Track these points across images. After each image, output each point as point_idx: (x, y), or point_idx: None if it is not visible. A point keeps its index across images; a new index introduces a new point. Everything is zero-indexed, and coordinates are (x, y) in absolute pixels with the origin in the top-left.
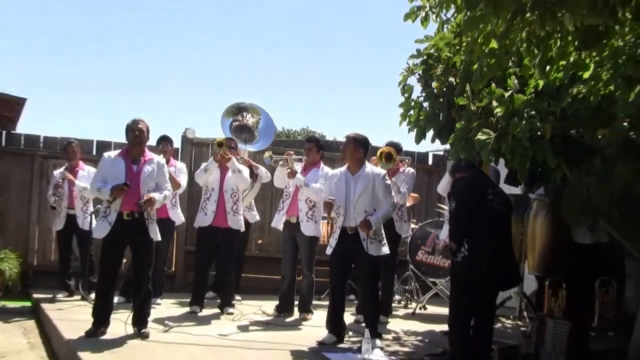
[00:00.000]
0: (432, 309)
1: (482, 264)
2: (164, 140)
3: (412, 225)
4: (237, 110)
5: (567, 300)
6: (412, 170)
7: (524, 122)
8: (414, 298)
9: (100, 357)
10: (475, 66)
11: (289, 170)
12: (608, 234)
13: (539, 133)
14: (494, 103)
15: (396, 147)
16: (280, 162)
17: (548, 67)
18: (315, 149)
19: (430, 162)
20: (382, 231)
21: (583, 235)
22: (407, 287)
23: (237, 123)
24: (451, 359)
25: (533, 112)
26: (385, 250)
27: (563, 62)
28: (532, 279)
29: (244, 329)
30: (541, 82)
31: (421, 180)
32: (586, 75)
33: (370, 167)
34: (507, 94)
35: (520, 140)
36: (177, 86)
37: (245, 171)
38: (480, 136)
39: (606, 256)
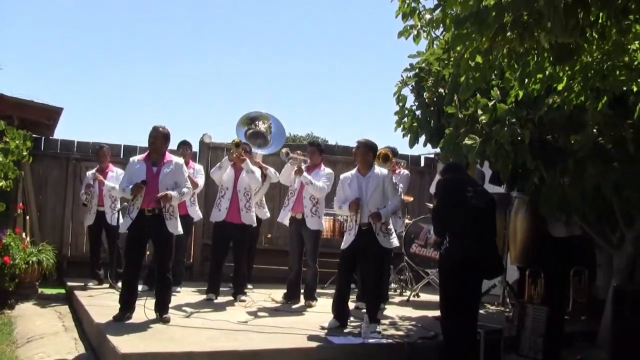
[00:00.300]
0: (424, 297)
1: (460, 255)
2: (184, 144)
3: (406, 221)
4: (249, 120)
5: (545, 288)
6: (406, 172)
7: (505, 128)
8: (408, 287)
9: (126, 339)
10: (462, 78)
11: (296, 168)
12: (580, 227)
13: (519, 138)
14: (479, 111)
15: (392, 150)
16: (291, 160)
17: (527, 80)
18: (317, 152)
19: (422, 164)
20: (391, 226)
21: (558, 229)
22: (402, 277)
23: (251, 131)
24: (445, 344)
25: (514, 120)
26: (395, 242)
27: (540, 75)
28: (514, 269)
29: (255, 314)
30: (521, 93)
31: (414, 180)
32: (560, 87)
33: (379, 169)
34: (490, 103)
35: (502, 145)
36: (196, 95)
37: (257, 172)
38: (467, 141)
39: (579, 248)
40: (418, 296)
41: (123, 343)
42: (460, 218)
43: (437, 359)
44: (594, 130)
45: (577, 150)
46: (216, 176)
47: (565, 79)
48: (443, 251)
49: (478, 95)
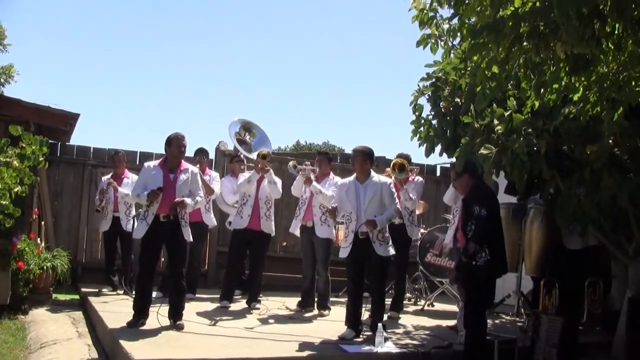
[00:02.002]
0: (439, 306)
1: (502, 265)
2: (201, 152)
3: (422, 230)
4: (246, 126)
5: (559, 298)
6: (420, 179)
7: (521, 138)
8: (422, 296)
9: (140, 345)
10: (479, 88)
11: (305, 178)
12: (596, 238)
13: (534, 148)
14: (495, 121)
15: (406, 158)
16: (301, 171)
17: (542, 90)
18: (326, 161)
19: (438, 173)
20: (388, 234)
21: (573, 242)
22: (416, 286)
23: (239, 137)
24: (471, 352)
25: (530, 130)
26: (392, 251)
27: (556, 85)
28: (528, 279)
29: (269, 322)
30: (537, 103)
31: (430, 190)
32: (576, 97)
33: (377, 176)
34: (506, 113)
35: (518, 155)
36: (211, 101)
37: (279, 183)
38: (483, 151)
39: (594, 259)
40: (432, 305)
41: (136, 349)
42: (500, 229)
43: None
44: (610, 141)
45: (593, 161)
46: (245, 189)
47: (581, 89)
48: (482, 263)
49: (494, 105)
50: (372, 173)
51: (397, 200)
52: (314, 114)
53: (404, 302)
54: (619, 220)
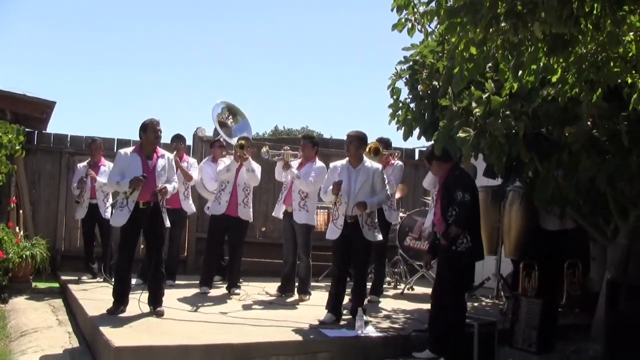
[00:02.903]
0: (418, 289)
1: (481, 250)
2: (178, 138)
3: (401, 214)
4: (230, 109)
5: (539, 280)
6: (400, 163)
7: (500, 121)
8: (402, 280)
9: (120, 331)
10: (457, 70)
11: (283, 163)
12: (574, 221)
13: (513, 131)
14: (473, 104)
15: (386, 142)
16: (276, 157)
17: (520, 72)
18: (310, 145)
19: (416, 157)
20: (376, 220)
21: (551, 223)
22: (396, 270)
23: (221, 120)
24: (454, 335)
25: (508, 112)
26: (379, 237)
27: (534, 67)
28: (507, 262)
29: (249, 308)
30: (515, 85)
31: (408, 173)
32: (554, 79)
33: (369, 162)
34: (484, 96)
35: (496, 138)
36: (187, 87)
37: (258, 170)
38: (461, 134)
39: (572, 241)
40: (412, 289)
41: (116, 336)
42: (478, 214)
43: (436, 351)
44: (588, 123)
45: (571, 143)
46: (223, 177)
47: (559, 70)
48: (463, 248)
49: (472, 87)
50: (365, 158)
51: (387, 186)
52: (293, 100)
53: (384, 286)
54: (597, 202)
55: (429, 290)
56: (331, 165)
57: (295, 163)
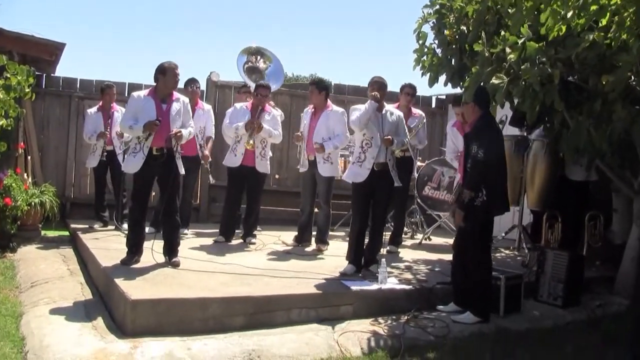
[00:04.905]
0: (435, 240)
1: (501, 203)
2: (193, 81)
3: (419, 163)
4: (255, 51)
5: (563, 232)
6: (422, 114)
7: (535, 68)
8: (419, 229)
9: (135, 283)
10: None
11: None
12: (598, 172)
13: (547, 78)
14: (507, 49)
15: (413, 89)
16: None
17: (571, 13)
18: (317, 90)
19: (433, 105)
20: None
21: (576, 173)
22: (413, 220)
23: (250, 64)
24: (481, 288)
25: (544, 59)
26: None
27: (594, 7)
28: (527, 213)
29: (267, 258)
30: (564, 28)
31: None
32: (604, 21)
33: (391, 108)
34: (520, 41)
35: (531, 85)
36: (199, 32)
37: (277, 131)
38: (495, 80)
39: (595, 192)
40: (430, 239)
41: (133, 288)
42: (501, 167)
43: (461, 304)
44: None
45: (607, 92)
46: (229, 134)
47: (608, 14)
48: (479, 203)
49: (503, 32)
50: (385, 104)
51: (419, 136)
52: (301, 45)
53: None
54: (626, 154)
55: (447, 240)
56: (357, 106)
57: (307, 113)
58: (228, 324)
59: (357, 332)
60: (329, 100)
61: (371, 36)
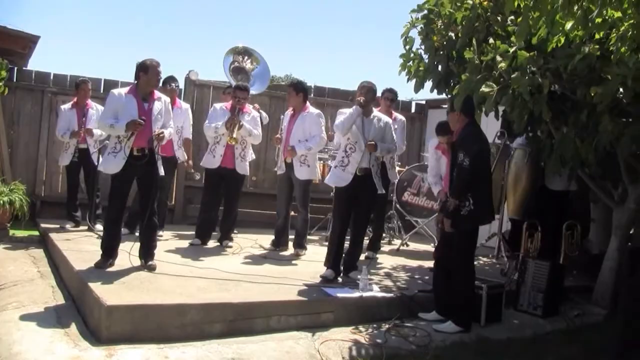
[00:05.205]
0: (413, 245)
1: (488, 212)
2: (172, 80)
3: (398, 169)
4: (241, 52)
5: (542, 241)
6: (403, 118)
7: (526, 77)
8: (396, 235)
9: (110, 288)
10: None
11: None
12: (577, 182)
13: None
14: (498, 57)
15: (393, 94)
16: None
17: (571, 24)
18: (294, 92)
19: (413, 109)
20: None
21: (556, 183)
22: (390, 225)
23: (236, 64)
24: (466, 304)
25: (535, 69)
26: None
27: (598, 20)
28: (505, 221)
29: (244, 262)
30: (562, 39)
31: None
32: (598, 35)
33: (378, 113)
34: (511, 50)
35: (521, 94)
36: (178, 30)
37: (256, 131)
38: (484, 88)
39: (573, 202)
40: (407, 245)
41: (108, 294)
42: (487, 174)
43: (443, 313)
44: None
45: (595, 104)
46: (209, 134)
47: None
48: (466, 212)
49: (491, 39)
50: (374, 110)
51: (395, 141)
52: (278, 46)
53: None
54: (607, 165)
55: (424, 247)
56: (342, 110)
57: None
58: (207, 331)
59: (339, 340)
60: (307, 103)
61: (350, 38)
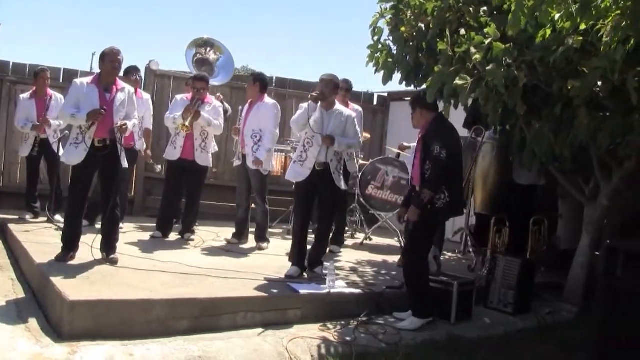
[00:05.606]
0: (376, 240)
1: (460, 204)
2: (135, 70)
3: (361, 162)
4: (204, 43)
5: (510, 237)
6: (359, 109)
7: (502, 69)
8: (359, 229)
9: (72, 282)
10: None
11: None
12: (546, 176)
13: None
14: (472, 49)
15: (348, 84)
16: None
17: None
18: (251, 82)
19: (375, 102)
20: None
21: (523, 177)
22: (352, 219)
23: (199, 56)
24: (420, 292)
25: (510, 61)
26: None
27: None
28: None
29: (207, 256)
30: (548, 32)
31: (367, 119)
32: (583, 26)
33: (341, 107)
34: (486, 42)
35: (496, 87)
36: (136, 21)
37: (217, 122)
38: (458, 81)
39: (541, 197)
40: (370, 239)
41: (70, 288)
42: (459, 167)
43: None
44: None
45: (572, 97)
46: (169, 124)
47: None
48: (442, 205)
49: (463, 30)
50: (336, 103)
51: (359, 135)
52: (236, 37)
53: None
54: (579, 159)
55: (388, 241)
56: (301, 105)
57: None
58: (172, 328)
59: (307, 338)
60: (265, 94)
61: (317, 28)
